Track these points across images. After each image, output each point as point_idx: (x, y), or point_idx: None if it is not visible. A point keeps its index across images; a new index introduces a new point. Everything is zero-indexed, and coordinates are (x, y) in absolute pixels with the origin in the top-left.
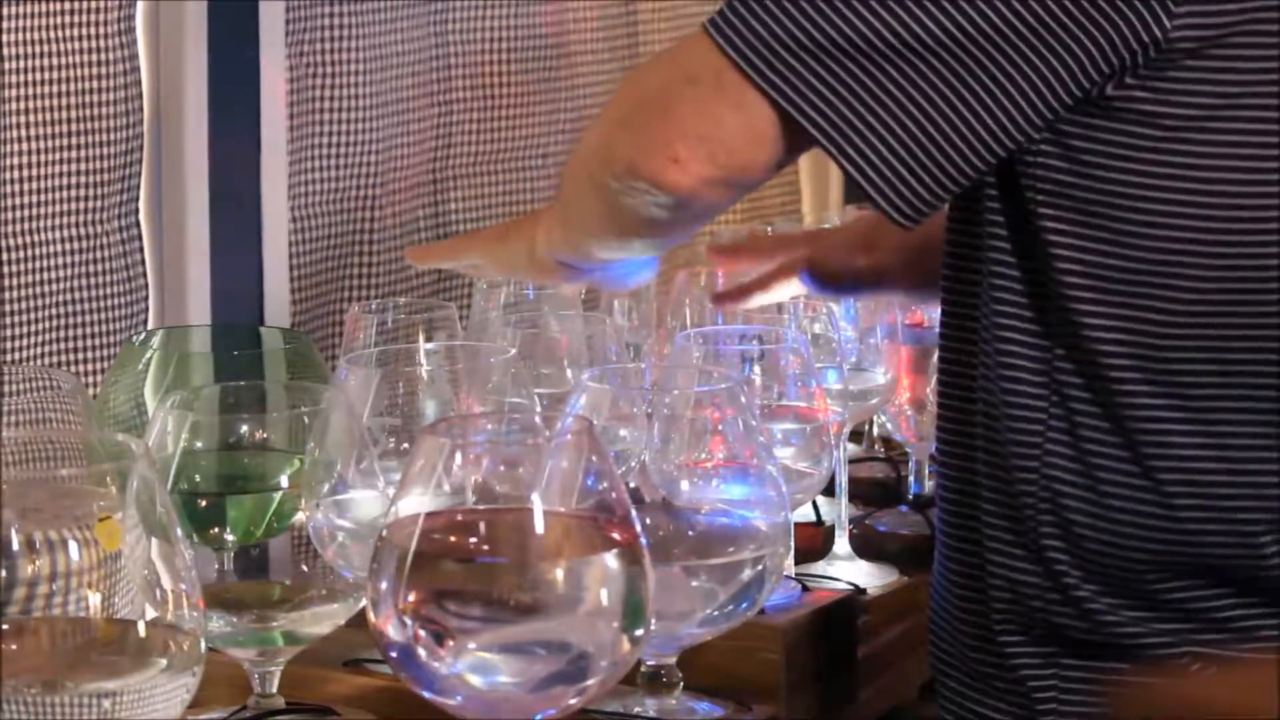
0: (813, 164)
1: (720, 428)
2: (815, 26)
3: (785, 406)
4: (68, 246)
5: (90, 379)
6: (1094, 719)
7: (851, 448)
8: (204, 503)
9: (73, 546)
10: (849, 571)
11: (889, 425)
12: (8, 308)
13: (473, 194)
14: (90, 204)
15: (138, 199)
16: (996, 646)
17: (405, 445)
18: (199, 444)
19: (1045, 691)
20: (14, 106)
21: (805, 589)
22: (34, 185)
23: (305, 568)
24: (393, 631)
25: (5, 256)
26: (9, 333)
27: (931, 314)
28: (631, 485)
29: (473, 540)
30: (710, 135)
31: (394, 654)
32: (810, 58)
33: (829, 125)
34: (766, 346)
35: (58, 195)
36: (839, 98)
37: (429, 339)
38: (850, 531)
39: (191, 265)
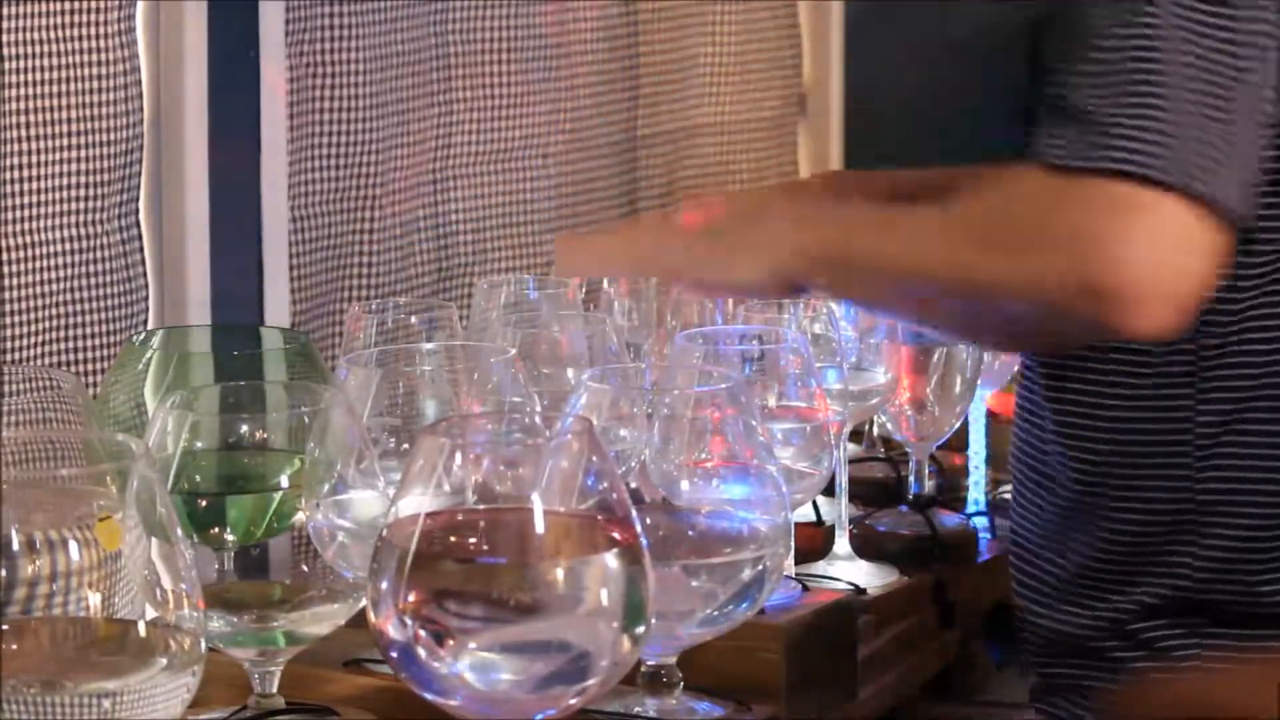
0: (813, 164)
1: (720, 428)
2: (1169, 106)
3: (785, 406)
4: (68, 246)
5: (90, 379)
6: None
7: (851, 448)
8: (204, 503)
9: (73, 546)
10: (849, 571)
11: (889, 425)
12: (8, 308)
13: (473, 194)
14: (90, 204)
15: (138, 199)
16: (1134, 630)
17: (405, 445)
18: (199, 444)
19: (1188, 662)
20: (14, 106)
21: (805, 589)
22: (34, 185)
23: (305, 568)
24: (393, 631)
25: (5, 256)
26: (9, 333)
27: None
28: (631, 485)
29: (473, 540)
30: (1190, 262)
31: (394, 654)
32: (1221, 144)
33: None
34: (766, 346)
35: (58, 195)
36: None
37: (429, 339)
38: (850, 531)
39: (191, 265)
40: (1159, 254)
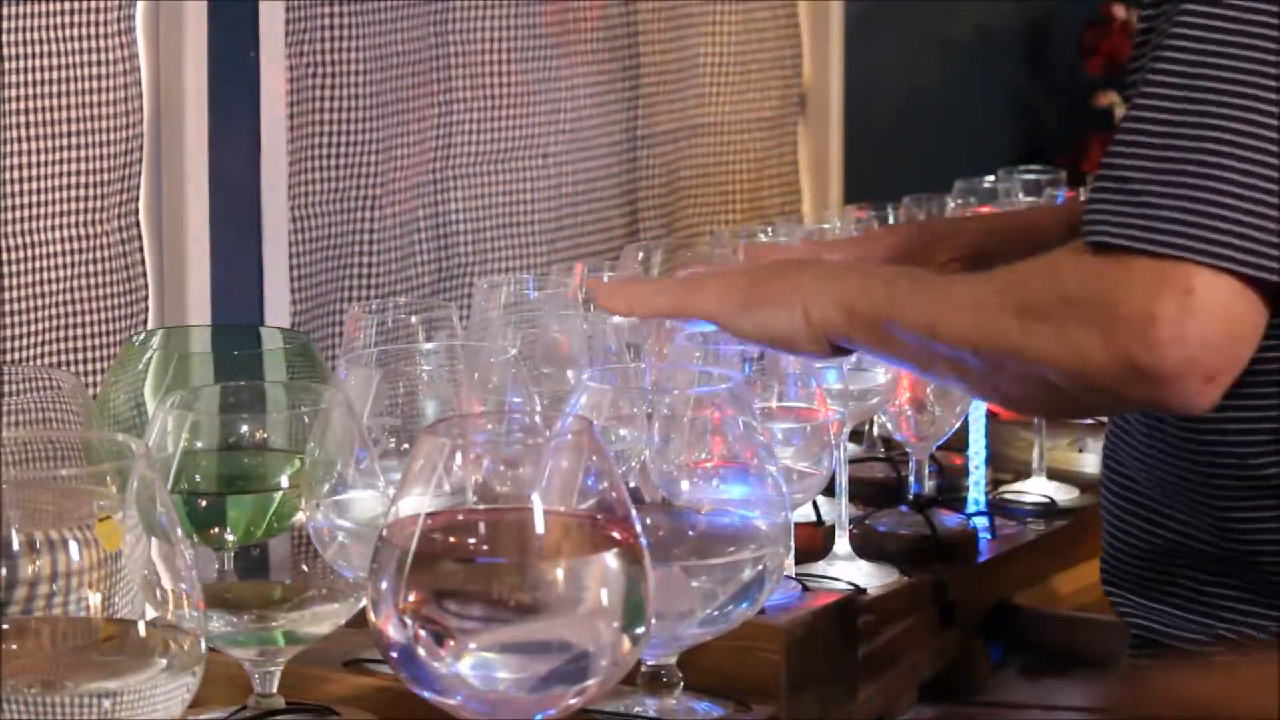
0: (813, 164)
1: (720, 428)
2: (1231, 184)
3: (785, 406)
4: (68, 246)
5: (90, 379)
6: None
7: (851, 448)
8: (204, 503)
9: (73, 546)
10: (849, 571)
11: (889, 425)
12: (8, 308)
13: (473, 194)
14: (90, 204)
15: (138, 199)
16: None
17: (405, 445)
18: (199, 444)
19: None
20: (14, 106)
21: (805, 589)
22: (34, 185)
23: (305, 568)
24: (393, 631)
25: (5, 256)
26: (9, 333)
27: None
28: (631, 485)
29: (473, 540)
30: (1235, 339)
31: (394, 654)
32: (1249, 216)
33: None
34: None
35: (58, 195)
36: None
37: (429, 339)
38: (850, 531)
39: (191, 265)
40: (1207, 336)
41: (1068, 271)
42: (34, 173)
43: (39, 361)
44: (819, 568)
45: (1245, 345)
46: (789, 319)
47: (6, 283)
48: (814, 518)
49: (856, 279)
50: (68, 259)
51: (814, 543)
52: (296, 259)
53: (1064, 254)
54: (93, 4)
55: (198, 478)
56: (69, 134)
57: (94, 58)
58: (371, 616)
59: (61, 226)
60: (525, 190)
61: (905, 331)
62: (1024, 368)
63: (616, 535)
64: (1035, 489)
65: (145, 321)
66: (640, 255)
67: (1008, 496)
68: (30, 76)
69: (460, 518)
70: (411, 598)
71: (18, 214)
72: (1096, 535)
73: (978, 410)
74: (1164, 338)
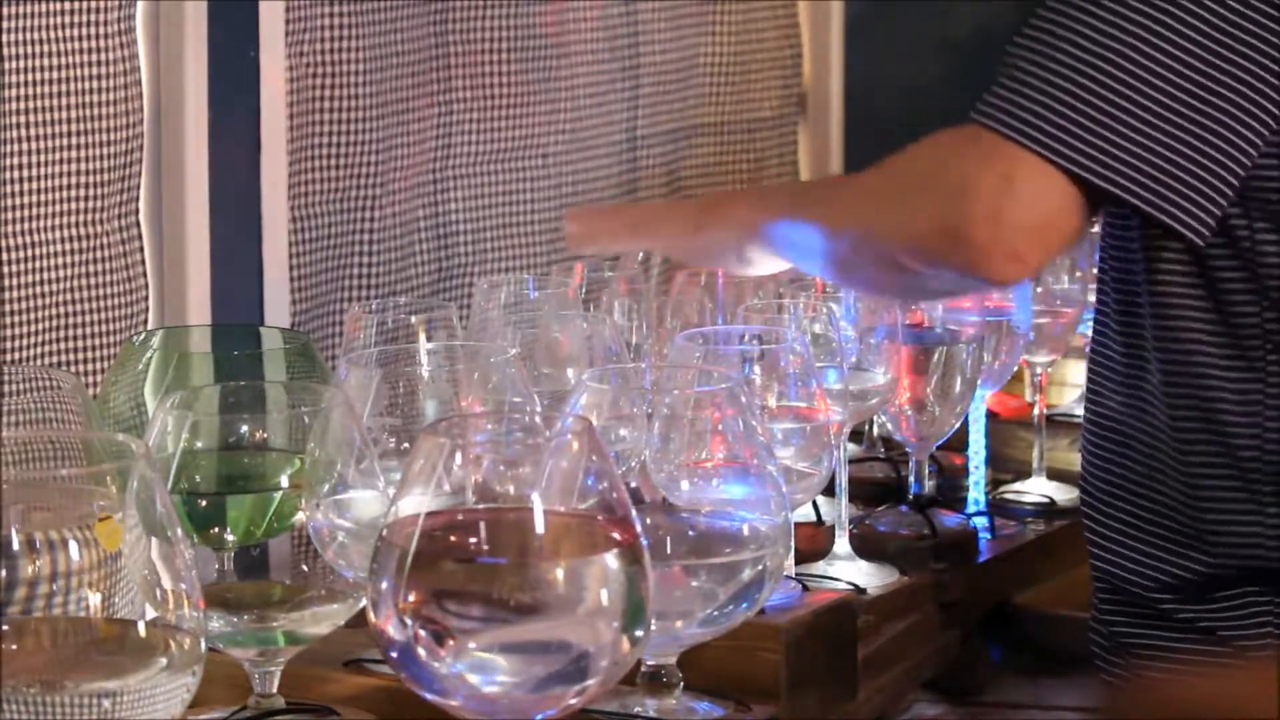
0: (813, 164)
1: (720, 428)
2: (1086, 91)
3: (785, 406)
4: (68, 246)
5: (90, 379)
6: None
7: (851, 448)
8: (204, 503)
9: (73, 546)
10: (849, 571)
11: (889, 425)
12: (8, 308)
13: (473, 194)
14: (90, 204)
15: (138, 199)
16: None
17: (405, 445)
18: (199, 444)
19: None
20: (14, 106)
21: (805, 589)
22: (34, 185)
23: (305, 568)
24: (393, 631)
25: (5, 256)
26: (9, 333)
27: (932, 313)
28: (631, 485)
29: (473, 540)
30: (1046, 225)
31: (394, 654)
32: (1091, 123)
33: (1129, 182)
34: (766, 346)
35: (58, 195)
36: (1126, 152)
37: (429, 339)
38: (850, 531)
39: (191, 265)
40: (1020, 217)
41: (927, 146)
42: (34, 173)
43: (39, 361)
44: (819, 568)
45: (1057, 236)
46: (726, 240)
47: (6, 283)
48: (814, 518)
49: (779, 196)
50: (68, 259)
51: (814, 543)
52: (296, 259)
53: (942, 132)
54: (93, 4)
55: (198, 478)
56: (69, 134)
57: (94, 58)
58: (371, 616)
59: (61, 226)
60: (525, 190)
61: (802, 239)
62: (875, 247)
63: (616, 535)
64: (1035, 489)
65: (145, 321)
66: (640, 255)
67: (1008, 496)
68: (30, 76)
69: (460, 518)
70: (411, 598)
71: (18, 214)
72: None
73: (978, 410)
74: (978, 209)
